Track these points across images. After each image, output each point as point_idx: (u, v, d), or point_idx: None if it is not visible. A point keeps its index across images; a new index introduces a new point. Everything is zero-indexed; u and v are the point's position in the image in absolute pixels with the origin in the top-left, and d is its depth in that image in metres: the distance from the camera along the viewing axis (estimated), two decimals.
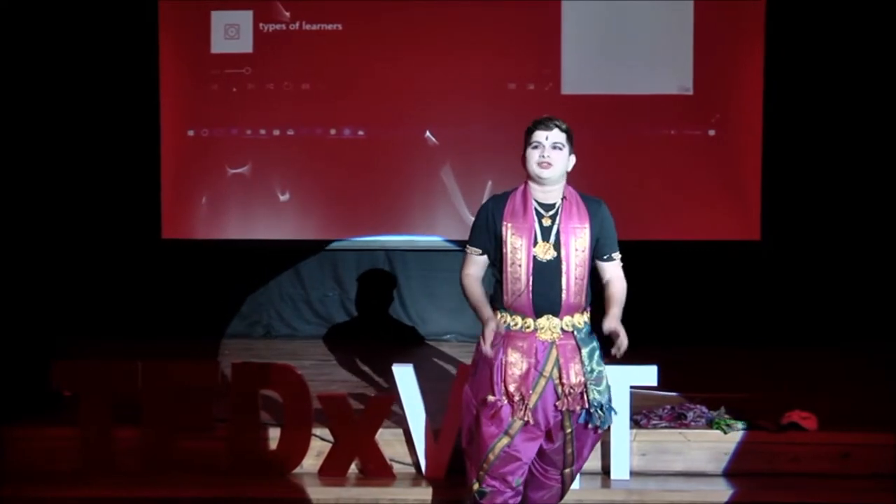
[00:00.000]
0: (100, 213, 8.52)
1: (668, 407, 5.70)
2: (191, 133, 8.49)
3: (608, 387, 4.22)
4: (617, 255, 4.28)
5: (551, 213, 4.13)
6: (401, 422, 5.46)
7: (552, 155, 4.11)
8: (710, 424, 5.50)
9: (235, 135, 8.48)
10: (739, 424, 5.50)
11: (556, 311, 4.10)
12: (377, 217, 8.50)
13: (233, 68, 8.40)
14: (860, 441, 5.43)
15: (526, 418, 4.06)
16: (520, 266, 4.08)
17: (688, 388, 6.16)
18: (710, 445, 5.42)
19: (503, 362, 4.10)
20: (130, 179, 8.50)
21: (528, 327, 4.11)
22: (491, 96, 8.31)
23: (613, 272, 4.26)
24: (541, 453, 4.25)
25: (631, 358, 4.99)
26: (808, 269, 8.41)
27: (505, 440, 4.08)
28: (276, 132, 8.47)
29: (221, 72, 8.42)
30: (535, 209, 4.14)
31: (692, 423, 5.52)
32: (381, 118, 8.41)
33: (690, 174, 8.25)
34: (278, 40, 8.41)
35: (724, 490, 5.22)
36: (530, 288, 4.07)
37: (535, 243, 4.09)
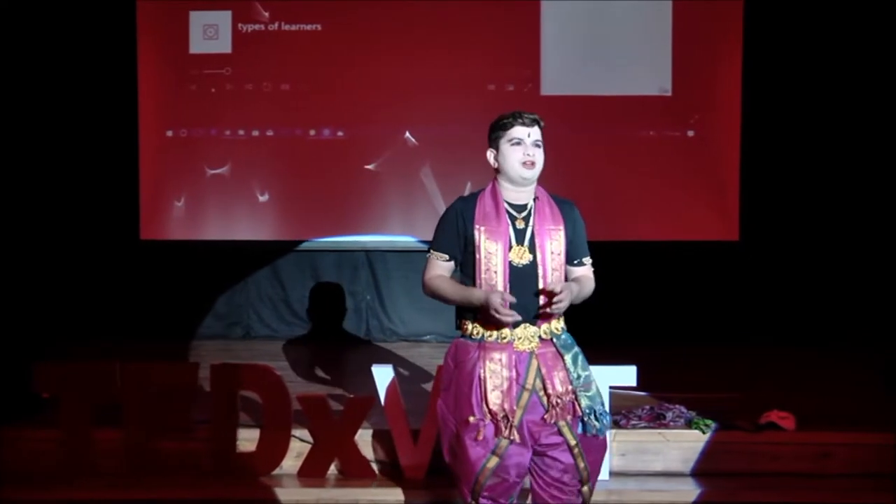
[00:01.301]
0: (78, 213, 8.48)
1: (648, 407, 5.72)
2: (169, 133, 8.47)
3: (598, 391, 3.91)
4: (588, 261, 4.00)
5: (524, 214, 3.87)
6: (381, 422, 5.44)
7: (535, 153, 3.86)
8: (689, 424, 5.52)
9: (214, 135, 8.46)
10: (718, 424, 5.51)
11: (532, 318, 3.81)
12: (357, 217, 8.49)
13: (211, 68, 8.38)
14: (840, 440, 5.45)
15: (512, 437, 3.76)
16: (496, 272, 3.78)
17: (667, 389, 6.18)
18: (690, 446, 5.44)
19: (482, 378, 3.79)
20: (108, 180, 8.46)
21: (505, 338, 3.80)
22: (470, 97, 8.32)
23: (584, 275, 3.98)
24: (551, 479, 3.86)
25: (610, 358, 5.03)
26: (787, 270, 8.46)
27: (494, 461, 3.78)
28: (255, 133, 8.45)
29: (200, 72, 8.40)
30: (508, 211, 3.87)
31: (671, 424, 5.53)
32: (360, 119, 8.41)
33: (669, 175, 8.27)
34: (257, 40, 8.40)
35: (701, 490, 5.23)
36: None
37: (510, 248, 3.81)
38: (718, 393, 6.22)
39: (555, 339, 3.86)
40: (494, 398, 3.77)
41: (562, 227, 3.88)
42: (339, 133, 8.46)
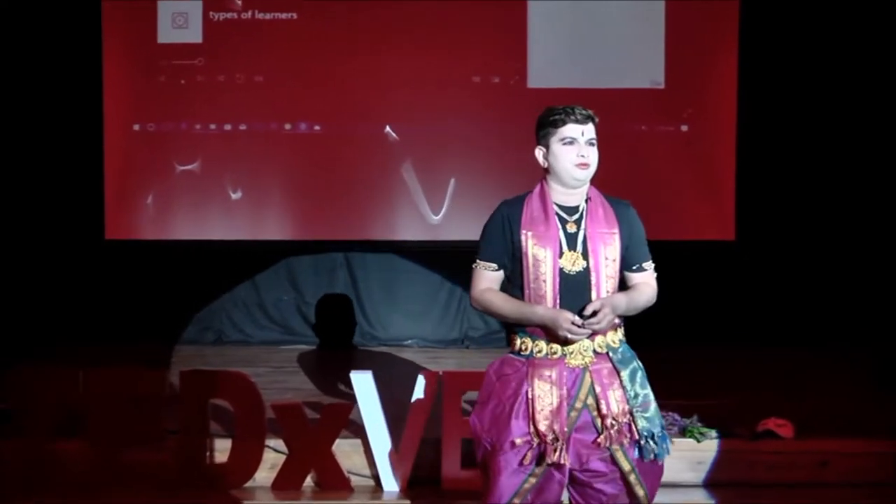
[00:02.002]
0: (39, 212, 8.43)
1: None
2: (136, 127, 8.43)
3: (657, 411, 3.72)
4: (649, 266, 3.83)
5: (575, 217, 3.71)
6: (359, 432, 5.43)
7: (590, 153, 3.69)
8: (683, 433, 5.52)
9: (184, 129, 8.44)
10: (713, 433, 5.53)
11: None
12: (335, 216, 8.48)
13: (181, 59, 8.36)
14: (839, 449, 5.47)
15: (561, 461, 3.57)
16: (545, 281, 3.64)
17: (659, 395, 6.17)
18: (683, 454, 5.44)
19: (529, 396, 3.62)
20: (72, 177, 8.42)
21: (556, 353, 3.64)
22: (454, 90, 8.32)
23: (643, 282, 3.81)
24: None
25: None
26: (784, 270, 8.49)
27: (531, 482, 3.62)
28: (228, 127, 8.43)
29: (169, 63, 8.37)
30: (557, 214, 3.71)
31: None
32: (338, 112, 8.40)
33: (662, 171, 8.30)
34: (229, 30, 8.38)
35: (698, 500, 5.25)
36: (558, 305, 3.62)
37: (561, 254, 3.65)
38: (713, 399, 6.23)
39: (611, 353, 3.68)
40: (543, 418, 3.60)
41: (616, 231, 3.72)
42: (316, 127, 8.45)
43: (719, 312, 8.36)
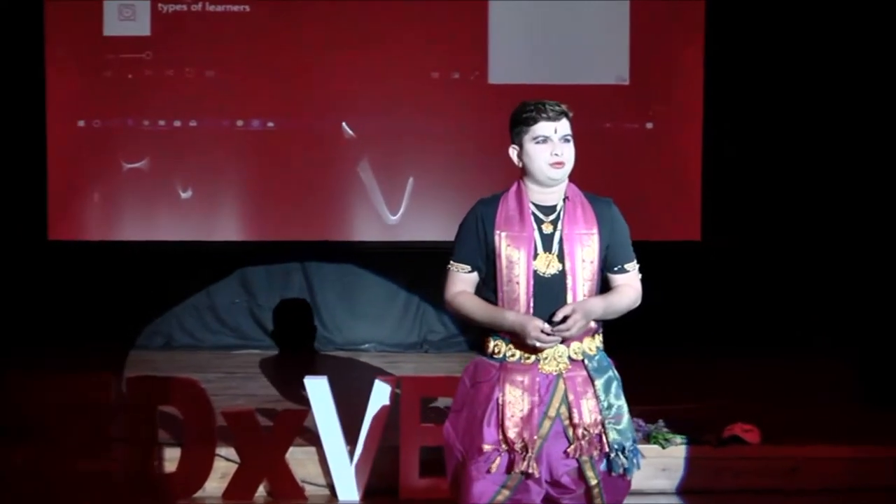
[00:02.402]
0: None
1: None
2: (81, 124, 8.35)
3: (631, 425, 3.73)
4: (632, 267, 3.80)
5: (552, 217, 3.69)
6: (314, 440, 5.43)
7: (564, 151, 3.67)
8: (648, 439, 5.56)
9: (132, 126, 8.36)
10: (678, 439, 5.56)
11: None
12: (289, 216, 8.44)
13: (129, 53, 8.29)
14: (809, 454, 5.52)
15: (530, 470, 3.58)
16: (518, 284, 3.63)
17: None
18: (648, 461, 5.44)
19: (500, 402, 3.61)
20: (12, 175, 8.31)
21: (529, 358, 3.63)
22: (413, 86, 8.31)
23: (626, 283, 3.79)
24: None
25: None
26: (752, 271, 8.53)
27: (504, 494, 3.61)
28: (177, 123, 8.38)
29: (116, 56, 8.30)
30: (533, 213, 3.69)
31: None
32: (292, 108, 8.36)
33: (626, 169, 8.32)
34: (179, 22, 8.32)
35: None
36: (531, 309, 3.60)
37: (536, 255, 3.64)
38: (679, 404, 6.26)
39: (587, 361, 3.66)
40: (513, 425, 3.60)
41: (595, 231, 3.70)
42: (270, 124, 8.41)
43: (685, 315, 8.39)
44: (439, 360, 8.11)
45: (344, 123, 8.42)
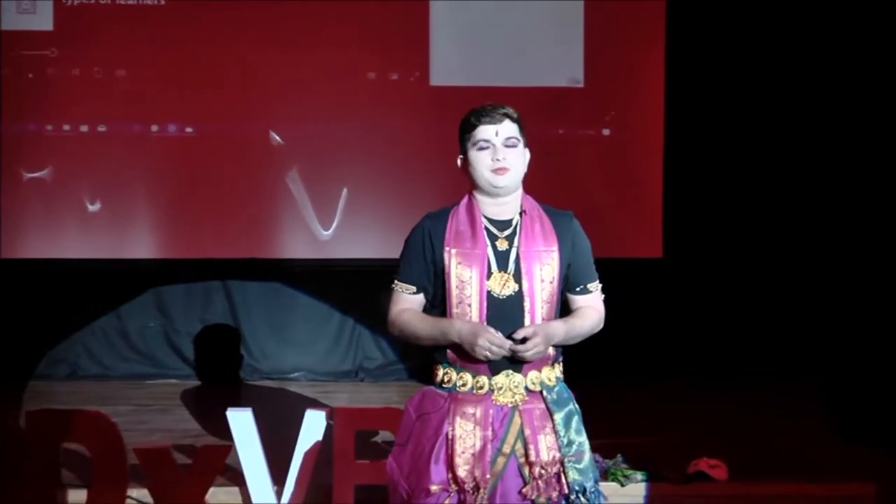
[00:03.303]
0: None
1: None
2: None
3: (592, 464, 3.71)
4: (595, 287, 3.83)
5: (507, 232, 3.69)
6: (237, 478, 5.40)
7: (508, 156, 3.68)
8: (606, 475, 5.57)
9: (32, 131, 8.31)
10: (639, 475, 5.59)
11: (517, 365, 3.62)
12: (209, 231, 8.42)
13: (29, 49, 8.23)
14: (781, 492, 5.57)
15: None
16: (470, 305, 3.62)
17: None
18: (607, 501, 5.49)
19: (449, 436, 3.60)
20: None
21: (482, 388, 3.61)
22: (347, 88, 8.32)
23: (588, 305, 3.81)
24: None
25: None
26: (717, 291, 8.61)
27: None
28: (84, 128, 8.33)
29: (15, 53, 8.25)
30: (486, 228, 3.69)
31: None
32: (213, 113, 8.35)
33: (581, 180, 8.37)
34: (86, 16, 8.28)
35: None
36: None
37: (490, 274, 3.63)
38: (640, 437, 6.29)
39: (545, 392, 3.65)
40: (464, 462, 3.58)
41: (555, 248, 3.70)
42: (188, 129, 8.39)
43: (646, 339, 8.45)
44: (376, 389, 8.10)
45: (271, 130, 8.40)
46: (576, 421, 3.69)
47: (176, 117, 8.39)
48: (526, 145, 3.80)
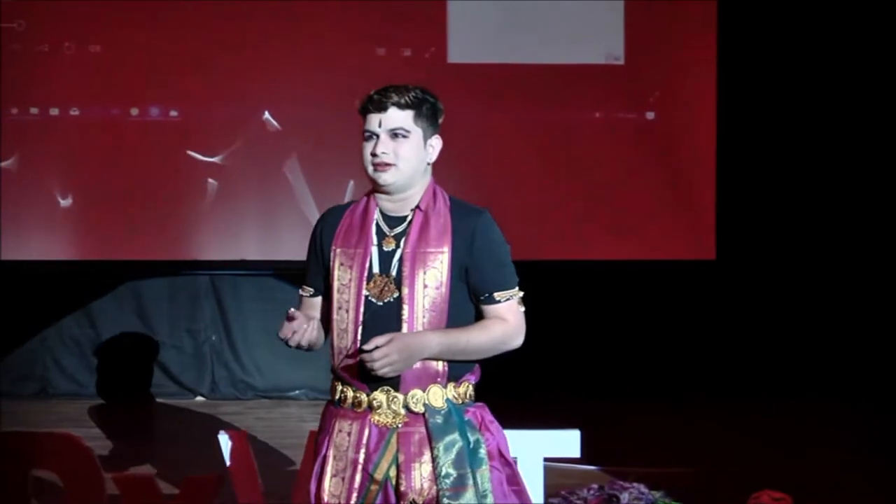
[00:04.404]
0: None
1: (596, 487, 5.74)
2: None
3: (481, 499, 3.58)
4: (504, 295, 3.68)
5: (397, 231, 3.67)
6: None
7: (393, 149, 3.64)
8: None
9: None
10: None
11: (395, 380, 3.57)
12: (197, 229, 8.44)
13: None
14: None
15: None
16: (347, 311, 3.62)
17: (621, 460, 6.21)
18: None
19: (325, 456, 3.65)
20: None
21: (360, 404, 3.61)
22: (353, 66, 8.30)
23: (497, 317, 3.69)
24: None
25: (546, 419, 5.02)
26: (775, 296, 8.58)
27: None
28: (55, 112, 8.35)
29: None
30: (378, 226, 3.68)
31: None
32: (200, 94, 8.36)
33: (622, 171, 8.34)
34: None
35: None
36: (358, 343, 3.58)
37: (370, 277, 3.62)
38: (690, 466, 6.27)
39: (429, 415, 3.59)
40: (333, 487, 3.61)
41: (446, 249, 3.62)
42: (172, 113, 8.40)
43: (696, 352, 8.42)
44: None
45: (267, 113, 8.42)
46: (461, 450, 3.60)
47: (158, 99, 8.41)
48: (433, 134, 3.75)
